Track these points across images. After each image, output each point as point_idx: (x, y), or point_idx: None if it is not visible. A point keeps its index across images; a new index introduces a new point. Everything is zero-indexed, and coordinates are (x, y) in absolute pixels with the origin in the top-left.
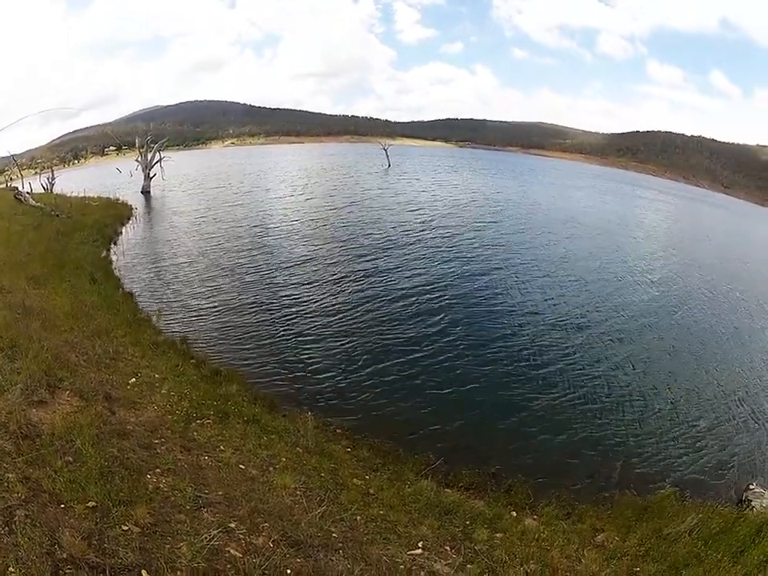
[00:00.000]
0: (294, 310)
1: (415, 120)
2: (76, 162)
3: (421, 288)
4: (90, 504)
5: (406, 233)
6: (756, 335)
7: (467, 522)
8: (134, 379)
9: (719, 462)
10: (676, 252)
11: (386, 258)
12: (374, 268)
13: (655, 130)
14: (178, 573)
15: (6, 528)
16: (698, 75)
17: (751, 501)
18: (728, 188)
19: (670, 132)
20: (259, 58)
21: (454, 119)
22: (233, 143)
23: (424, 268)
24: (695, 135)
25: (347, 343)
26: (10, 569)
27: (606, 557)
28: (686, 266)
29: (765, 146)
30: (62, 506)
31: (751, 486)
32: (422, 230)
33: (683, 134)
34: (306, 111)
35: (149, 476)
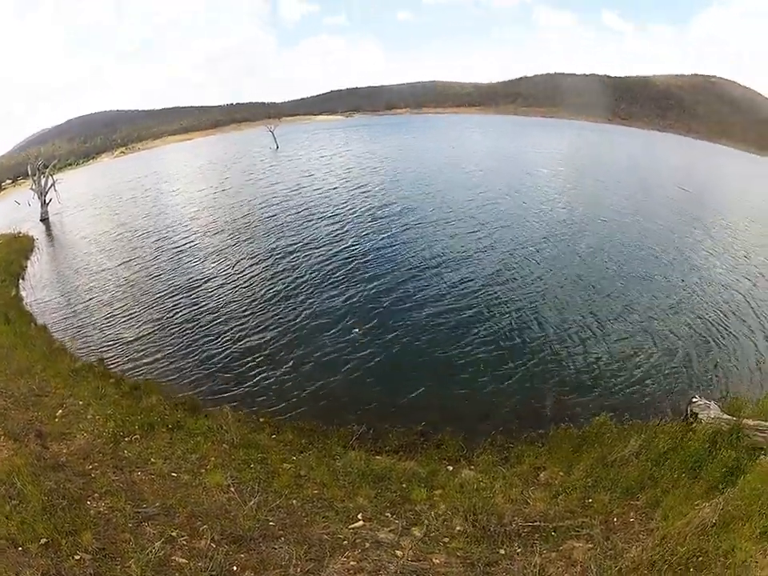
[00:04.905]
0: (202, 312)
1: (302, 97)
2: None
3: (319, 260)
4: (42, 541)
5: (291, 218)
6: (672, 241)
7: (403, 485)
8: (60, 411)
9: (654, 380)
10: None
11: (279, 241)
12: (272, 257)
13: (543, 73)
14: None
15: None
16: (589, 16)
17: (697, 414)
18: (626, 119)
19: (559, 73)
20: (144, 59)
21: (340, 90)
22: (122, 152)
23: (322, 244)
24: (587, 73)
25: (255, 333)
26: None
27: (552, 494)
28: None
29: (660, 76)
30: (19, 548)
31: (694, 399)
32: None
33: (573, 74)
34: (192, 106)
35: (89, 502)
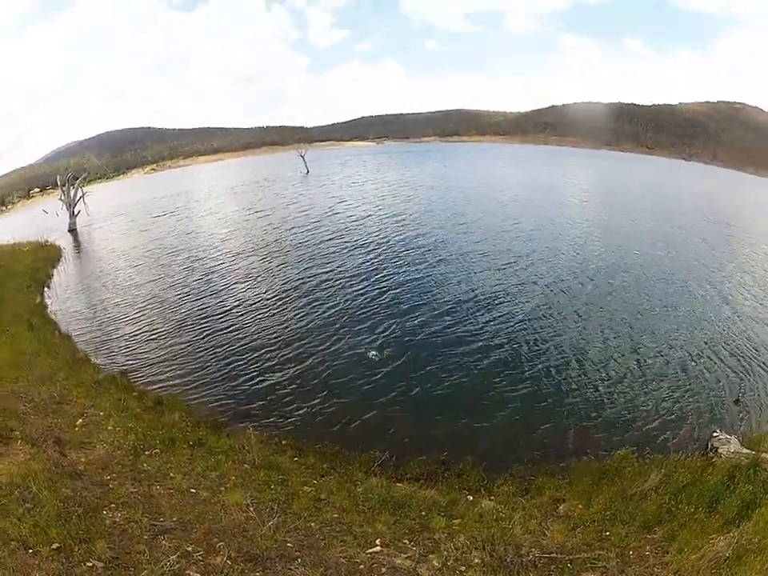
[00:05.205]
0: (227, 332)
1: (331, 123)
2: (4, 208)
3: (353, 290)
4: (54, 546)
5: (315, 242)
6: (700, 273)
7: (422, 513)
8: (80, 420)
9: (676, 415)
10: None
11: (312, 268)
12: (305, 283)
13: (572, 102)
14: None
15: None
16: (612, 43)
17: (717, 448)
18: (652, 149)
19: (587, 102)
20: (173, 79)
21: (370, 116)
22: (153, 169)
23: (353, 270)
24: (614, 102)
25: (284, 359)
26: None
27: (570, 526)
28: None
29: (687, 103)
30: (30, 550)
31: (715, 434)
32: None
33: (601, 103)
34: (223, 127)
35: (105, 512)
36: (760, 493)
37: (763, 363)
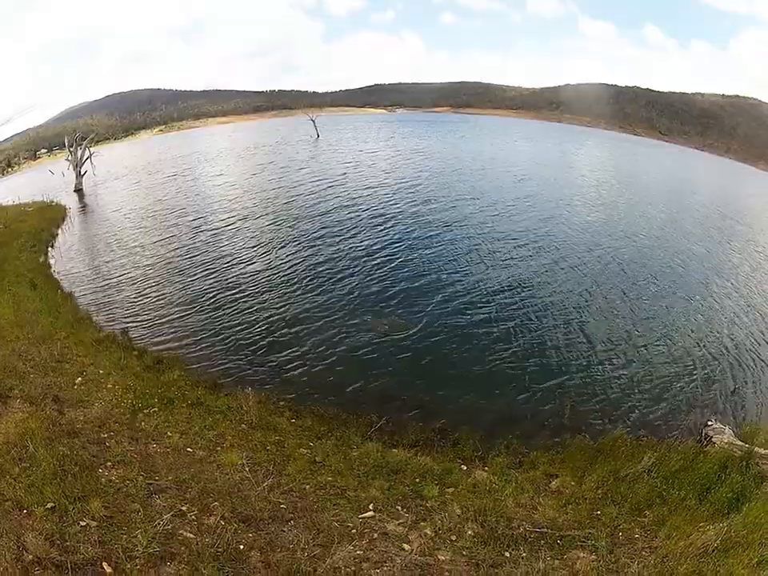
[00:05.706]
0: (232, 296)
1: (345, 89)
2: (10, 169)
3: (359, 257)
4: (49, 505)
5: (315, 206)
6: (711, 264)
7: (416, 480)
8: (80, 379)
9: (673, 400)
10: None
11: (323, 236)
12: (314, 247)
13: (587, 82)
14: (136, 561)
15: None
16: (631, 29)
17: (711, 437)
18: (665, 135)
19: (603, 83)
20: (186, 43)
21: (383, 84)
22: (161, 130)
23: (350, 234)
24: (630, 86)
25: (289, 322)
26: None
27: (562, 502)
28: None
29: (703, 94)
30: (24, 510)
31: (710, 423)
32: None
33: (617, 85)
34: (234, 90)
35: (100, 470)
36: (751, 486)
37: (766, 357)
